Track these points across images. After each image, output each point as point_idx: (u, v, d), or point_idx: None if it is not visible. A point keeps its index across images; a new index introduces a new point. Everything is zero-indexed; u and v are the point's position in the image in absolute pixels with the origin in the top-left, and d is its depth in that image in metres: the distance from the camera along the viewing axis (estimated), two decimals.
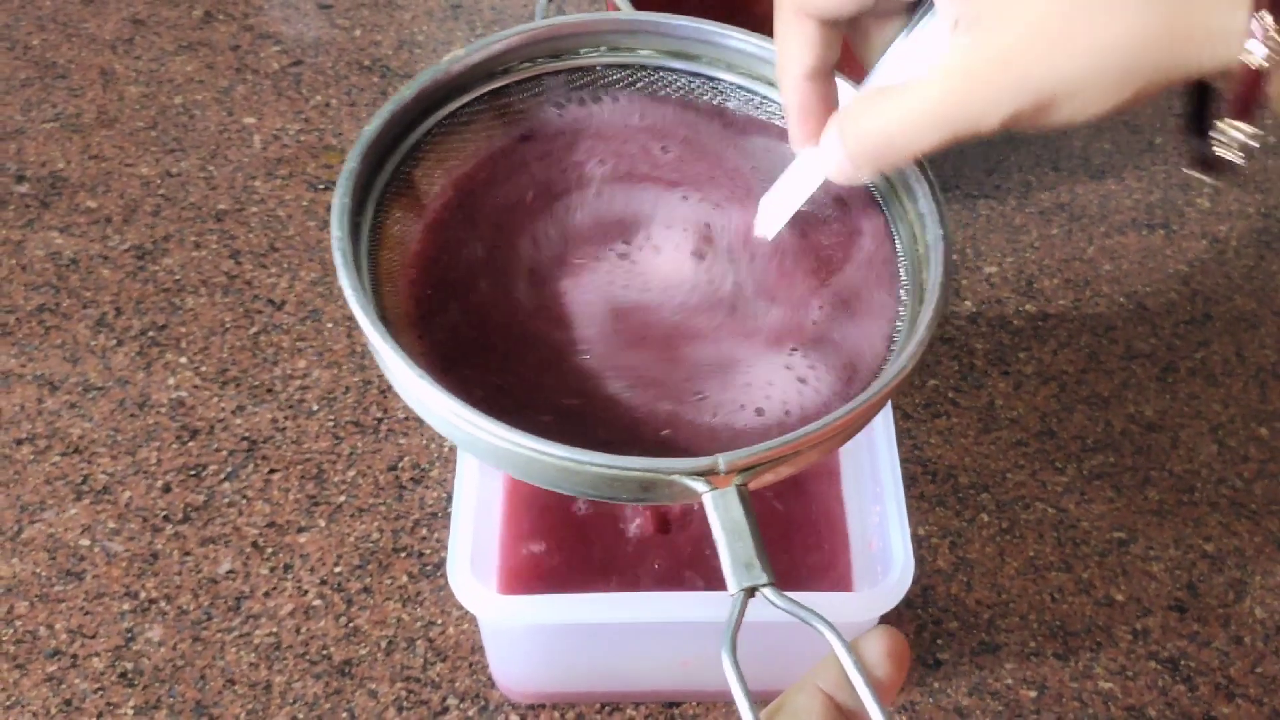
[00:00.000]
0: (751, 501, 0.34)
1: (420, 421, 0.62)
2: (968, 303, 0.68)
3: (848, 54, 0.39)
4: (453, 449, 0.61)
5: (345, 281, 0.37)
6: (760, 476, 0.34)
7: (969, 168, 0.75)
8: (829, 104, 0.39)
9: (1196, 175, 0.38)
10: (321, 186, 0.73)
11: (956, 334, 0.67)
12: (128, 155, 0.74)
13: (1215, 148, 0.32)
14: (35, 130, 0.76)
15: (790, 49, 0.37)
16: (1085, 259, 0.70)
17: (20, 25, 0.82)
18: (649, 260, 0.43)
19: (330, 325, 0.66)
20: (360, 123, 0.77)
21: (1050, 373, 0.65)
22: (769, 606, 0.33)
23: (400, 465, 0.61)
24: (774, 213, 0.42)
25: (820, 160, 0.38)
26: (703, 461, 0.33)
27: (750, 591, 0.33)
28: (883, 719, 0.30)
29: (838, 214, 0.43)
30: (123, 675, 0.53)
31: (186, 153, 0.75)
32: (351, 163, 0.40)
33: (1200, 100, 0.33)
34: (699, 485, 0.34)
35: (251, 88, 0.79)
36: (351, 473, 0.60)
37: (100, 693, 0.53)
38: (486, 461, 0.36)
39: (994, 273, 0.70)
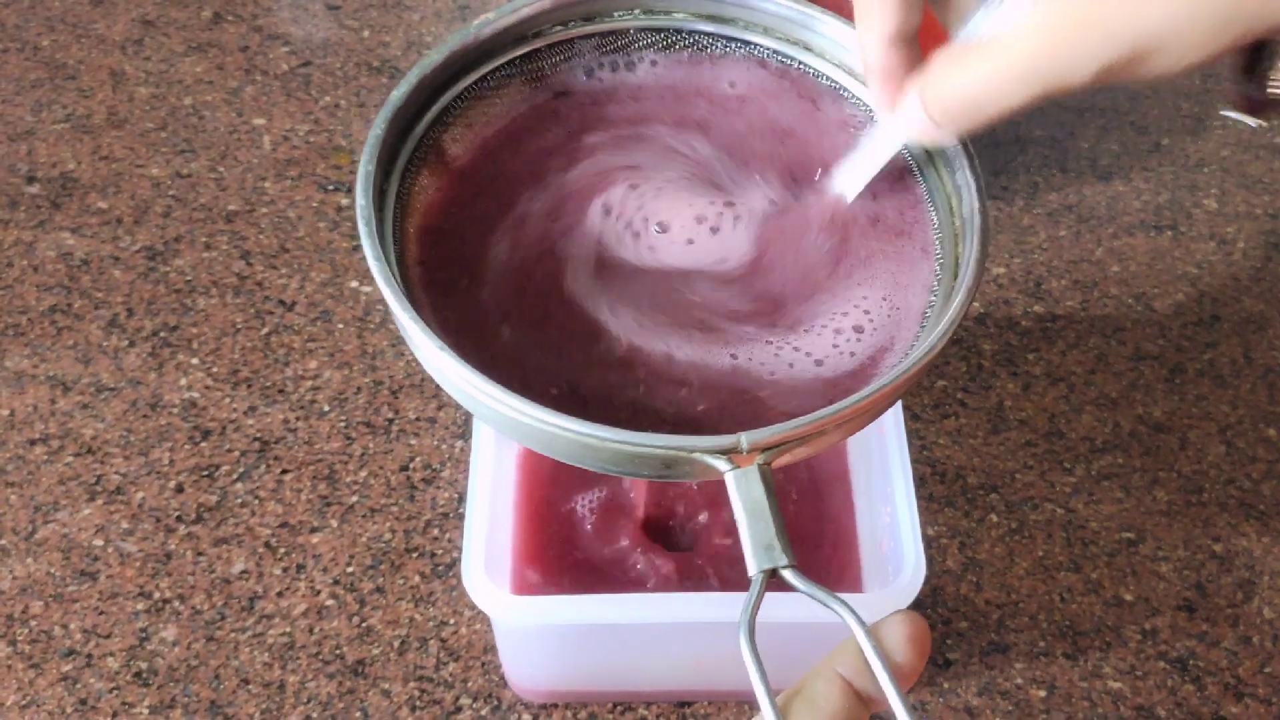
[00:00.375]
0: (774, 481, 0.33)
1: (432, 421, 0.63)
2: (976, 304, 0.68)
3: (930, 25, 0.38)
4: (464, 449, 0.61)
5: (369, 251, 0.36)
6: (784, 455, 0.34)
7: None
8: (912, 69, 0.37)
9: (1236, 116, 0.37)
10: (331, 187, 0.73)
11: (965, 335, 0.67)
12: (138, 156, 0.75)
13: (1271, 89, 0.32)
14: (45, 131, 0.76)
15: (873, 10, 0.36)
16: (1093, 260, 0.71)
17: (30, 26, 0.83)
18: (683, 230, 0.41)
19: (341, 326, 0.66)
20: (370, 124, 0.77)
21: (1059, 374, 0.65)
22: (788, 604, 0.33)
23: (412, 466, 0.61)
24: (852, 176, 0.41)
25: (901, 122, 0.37)
26: (725, 440, 0.33)
27: (771, 573, 0.32)
28: (902, 705, 0.29)
29: (874, 185, 0.43)
30: (137, 675, 0.54)
31: (196, 154, 0.75)
32: (377, 129, 0.39)
33: (1257, 46, 0.32)
34: (721, 464, 0.33)
35: (261, 89, 0.79)
36: (363, 473, 0.61)
37: (115, 692, 0.53)
38: (507, 434, 0.36)
39: (1002, 274, 0.70)
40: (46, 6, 0.84)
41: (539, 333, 0.39)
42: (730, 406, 0.38)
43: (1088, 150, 0.77)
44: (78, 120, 0.77)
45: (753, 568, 0.32)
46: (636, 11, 0.44)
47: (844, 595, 0.50)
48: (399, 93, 0.40)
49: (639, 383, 0.38)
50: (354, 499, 0.60)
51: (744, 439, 0.33)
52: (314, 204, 0.72)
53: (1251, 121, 0.37)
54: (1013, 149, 0.76)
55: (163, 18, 0.83)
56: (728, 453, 0.33)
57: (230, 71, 0.80)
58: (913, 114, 0.36)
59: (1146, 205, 0.74)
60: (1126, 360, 0.66)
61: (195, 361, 0.65)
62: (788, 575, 0.32)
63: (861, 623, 0.31)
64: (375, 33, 0.83)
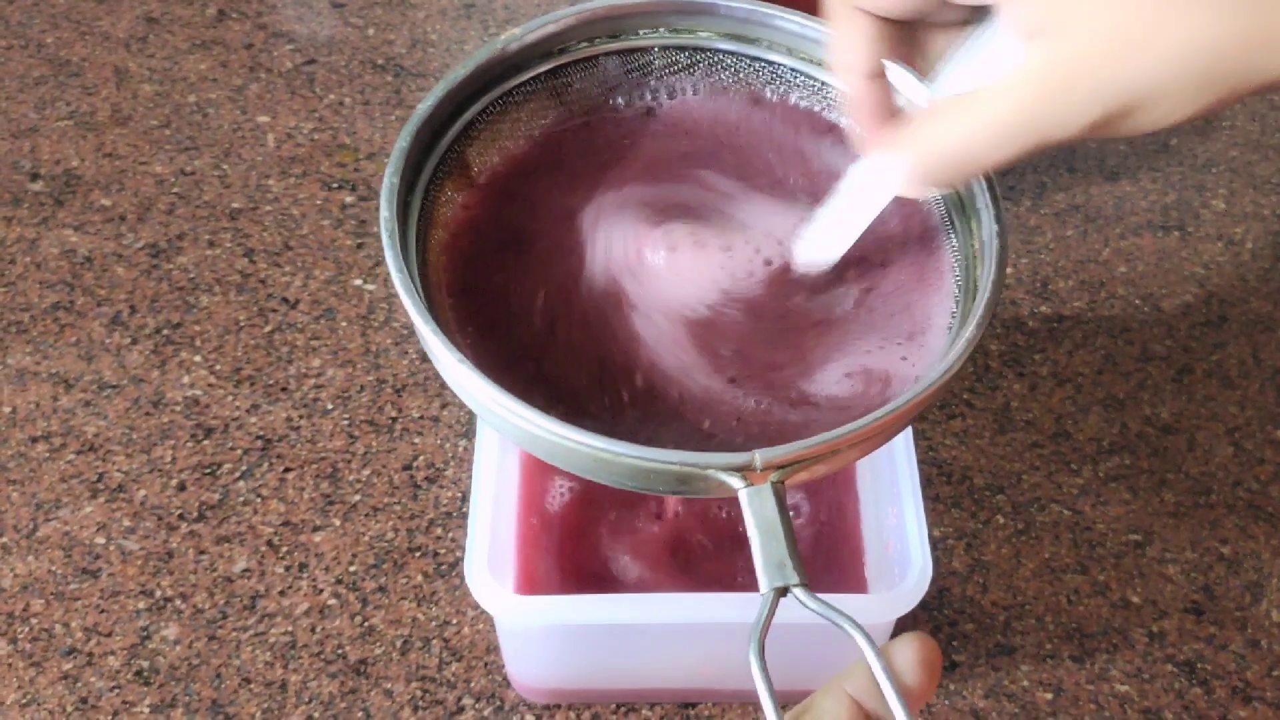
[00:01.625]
0: (786, 500, 0.33)
1: (435, 420, 0.62)
2: None
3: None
4: (468, 448, 0.61)
5: (391, 262, 0.36)
6: (797, 474, 0.34)
7: None
8: (892, 104, 0.37)
9: None
10: (335, 185, 0.73)
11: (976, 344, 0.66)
12: (142, 154, 0.75)
13: None
14: (49, 128, 0.76)
15: (848, 46, 0.36)
16: (1100, 261, 0.70)
17: (34, 23, 0.82)
18: (701, 251, 0.42)
19: (345, 324, 0.66)
20: (374, 122, 0.77)
21: (1065, 374, 0.65)
22: (797, 608, 0.32)
23: (415, 464, 0.61)
24: (834, 234, 0.41)
25: (887, 175, 0.37)
26: (739, 457, 0.33)
27: (782, 591, 0.32)
28: None
29: (896, 212, 0.43)
30: (138, 674, 0.54)
31: (200, 151, 0.75)
32: (403, 141, 0.39)
33: None
34: (734, 481, 0.33)
35: (265, 86, 0.79)
36: (366, 472, 0.60)
37: (116, 691, 0.53)
38: (522, 446, 0.36)
39: (1009, 274, 0.69)
40: (51, 3, 0.84)
41: (558, 348, 0.40)
42: (747, 428, 0.38)
43: (1095, 150, 0.76)
44: (81, 117, 0.77)
45: (764, 585, 0.33)
46: (661, 30, 0.44)
47: (849, 597, 0.50)
48: (425, 105, 0.40)
49: (657, 401, 0.38)
50: (357, 498, 0.59)
51: (758, 457, 0.33)
52: (318, 202, 0.72)
53: None
54: None
55: (167, 15, 0.83)
56: (742, 470, 0.33)
57: (234, 69, 0.80)
58: (901, 169, 0.35)
59: (1154, 205, 0.73)
60: (1134, 361, 0.66)
61: (198, 359, 0.65)
62: (799, 594, 0.32)
63: (872, 643, 0.31)
64: (380, 31, 0.83)
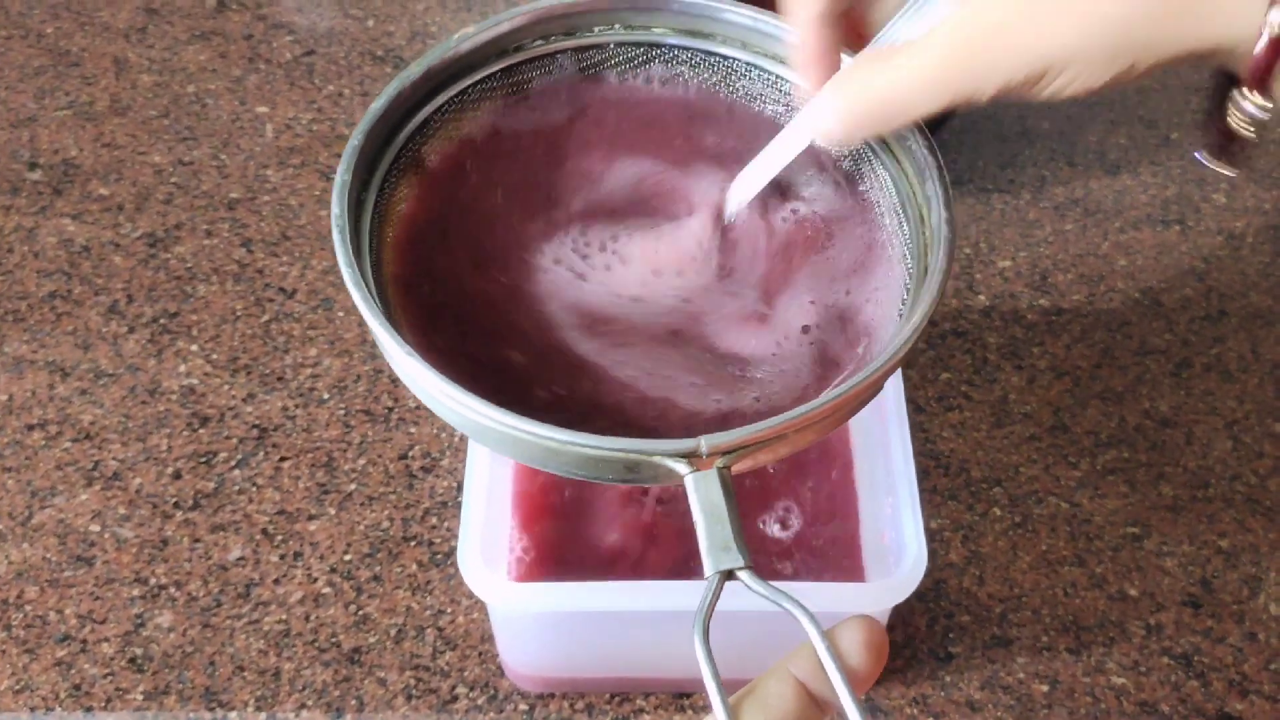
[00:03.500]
0: (733, 485, 0.34)
1: (431, 410, 0.62)
2: (981, 296, 0.68)
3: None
4: (463, 438, 0.61)
5: (341, 257, 0.37)
6: (743, 460, 0.34)
7: (983, 161, 0.75)
8: (837, 61, 0.38)
9: (1211, 165, 0.38)
10: (333, 176, 0.73)
11: (970, 328, 0.66)
12: (140, 143, 0.74)
13: (1230, 120, 0.33)
14: (48, 118, 0.76)
15: None
16: (1100, 254, 0.70)
17: (34, 13, 0.82)
18: (653, 242, 0.42)
19: (342, 314, 0.66)
20: None
21: (1064, 367, 0.65)
22: (747, 593, 0.33)
23: (411, 454, 0.60)
24: (754, 175, 0.41)
25: (809, 122, 0.38)
26: (685, 443, 0.33)
27: (727, 575, 0.32)
28: (855, 709, 0.29)
29: (845, 194, 0.43)
30: (132, 661, 0.53)
31: (199, 141, 0.75)
32: (355, 139, 0.39)
33: (1221, 84, 0.33)
34: (680, 467, 0.34)
35: (264, 77, 0.79)
36: (362, 461, 0.60)
37: (109, 678, 0.53)
38: (473, 438, 0.37)
39: (1008, 267, 0.69)
40: None
41: (508, 341, 0.40)
42: (694, 415, 0.38)
43: (1096, 144, 0.76)
44: (80, 107, 0.76)
45: (709, 568, 0.33)
46: (617, 26, 0.44)
47: (846, 586, 0.50)
48: (378, 104, 0.41)
49: (606, 390, 0.38)
50: (352, 487, 0.59)
51: (704, 443, 0.33)
52: (316, 192, 0.72)
53: (1223, 171, 0.37)
54: (1020, 142, 0.76)
55: (166, 5, 0.83)
56: (688, 456, 0.33)
57: (234, 60, 0.80)
58: (822, 111, 0.37)
59: (1154, 199, 0.73)
60: (1132, 354, 0.65)
61: (195, 348, 0.65)
62: (743, 576, 0.33)
63: (816, 624, 0.31)
64: (380, 22, 0.82)
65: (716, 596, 0.32)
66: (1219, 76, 0.33)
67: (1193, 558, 0.58)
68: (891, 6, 0.38)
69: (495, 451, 0.37)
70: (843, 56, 0.39)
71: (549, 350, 0.40)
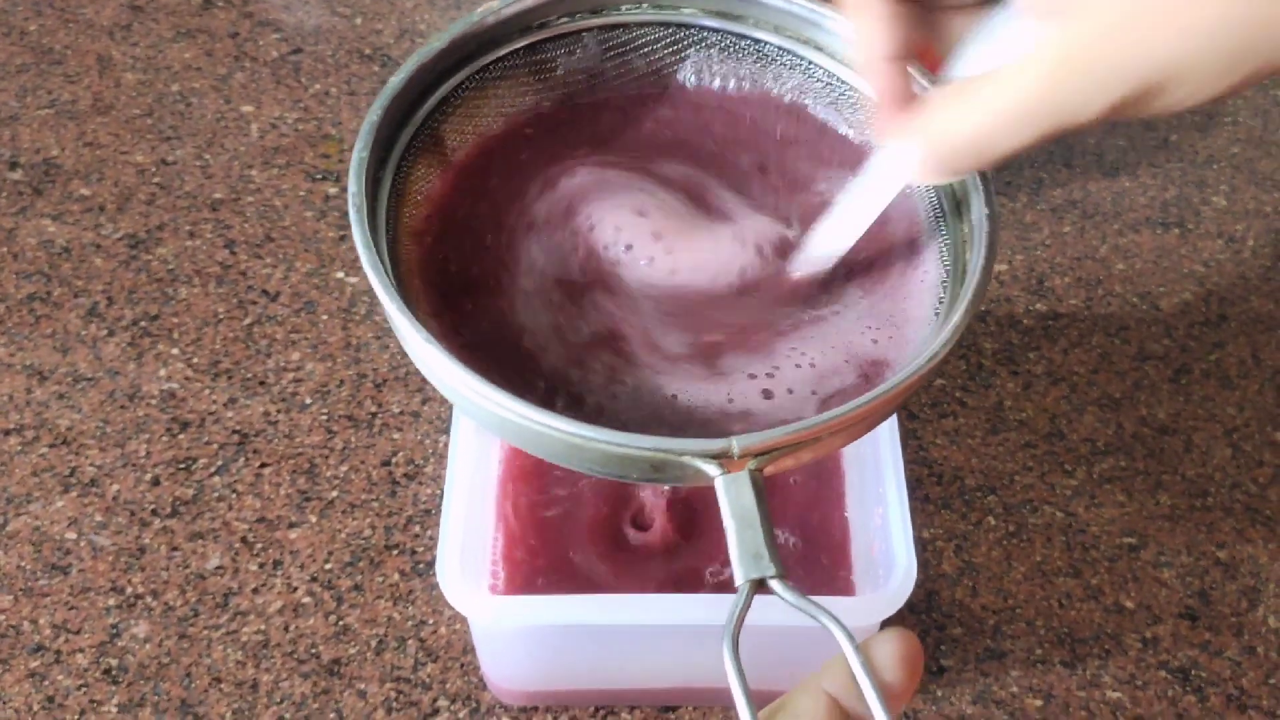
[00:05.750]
0: (765, 489, 0.32)
1: (416, 415, 0.61)
2: None
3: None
4: (448, 445, 0.60)
5: (359, 238, 0.35)
6: (777, 463, 0.33)
7: None
8: (909, 87, 0.36)
9: None
10: (319, 176, 0.72)
11: (964, 333, 0.65)
12: (123, 143, 0.73)
13: None
14: (30, 116, 0.75)
15: (869, 26, 0.35)
16: (1097, 257, 0.69)
17: (17, 10, 0.81)
18: (680, 233, 0.40)
19: (325, 318, 0.65)
20: (360, 112, 0.75)
21: (1060, 373, 0.63)
22: (772, 607, 0.31)
23: (394, 461, 0.59)
24: (844, 226, 0.39)
25: (901, 162, 0.35)
26: (716, 444, 0.32)
27: (758, 584, 0.31)
28: None
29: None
30: (107, 672, 0.52)
31: (183, 141, 0.74)
32: (374, 115, 0.38)
33: None
34: (711, 468, 0.32)
35: (250, 75, 0.77)
36: (344, 468, 0.59)
37: (84, 689, 0.52)
38: (493, 431, 0.35)
39: (1004, 270, 0.68)
40: None
41: (532, 330, 0.38)
42: (727, 416, 0.36)
43: (1094, 146, 0.75)
44: (63, 106, 0.75)
45: (739, 577, 0.31)
46: (645, 5, 0.43)
47: (833, 599, 0.49)
48: (398, 79, 0.39)
49: (636, 387, 0.37)
50: (334, 494, 0.58)
51: (735, 443, 0.32)
52: (301, 193, 0.71)
53: None
54: None
55: (152, 3, 0.82)
56: (718, 457, 0.32)
57: (219, 58, 0.79)
58: (914, 156, 0.34)
59: (1153, 202, 0.72)
60: (1130, 360, 0.64)
61: (175, 352, 0.63)
62: (775, 586, 0.31)
63: (851, 638, 0.29)
64: (368, 20, 0.81)
65: (747, 607, 0.31)
66: None
67: (1190, 569, 0.57)
68: (960, 26, 0.35)
69: (516, 445, 0.35)
70: (915, 77, 0.37)
71: (575, 341, 0.38)
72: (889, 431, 0.49)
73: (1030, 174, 0.73)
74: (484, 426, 0.35)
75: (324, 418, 0.61)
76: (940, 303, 0.39)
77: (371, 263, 0.35)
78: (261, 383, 0.62)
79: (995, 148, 0.32)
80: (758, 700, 0.29)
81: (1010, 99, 0.30)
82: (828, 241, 0.40)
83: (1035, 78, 0.30)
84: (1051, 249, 0.69)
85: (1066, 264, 0.68)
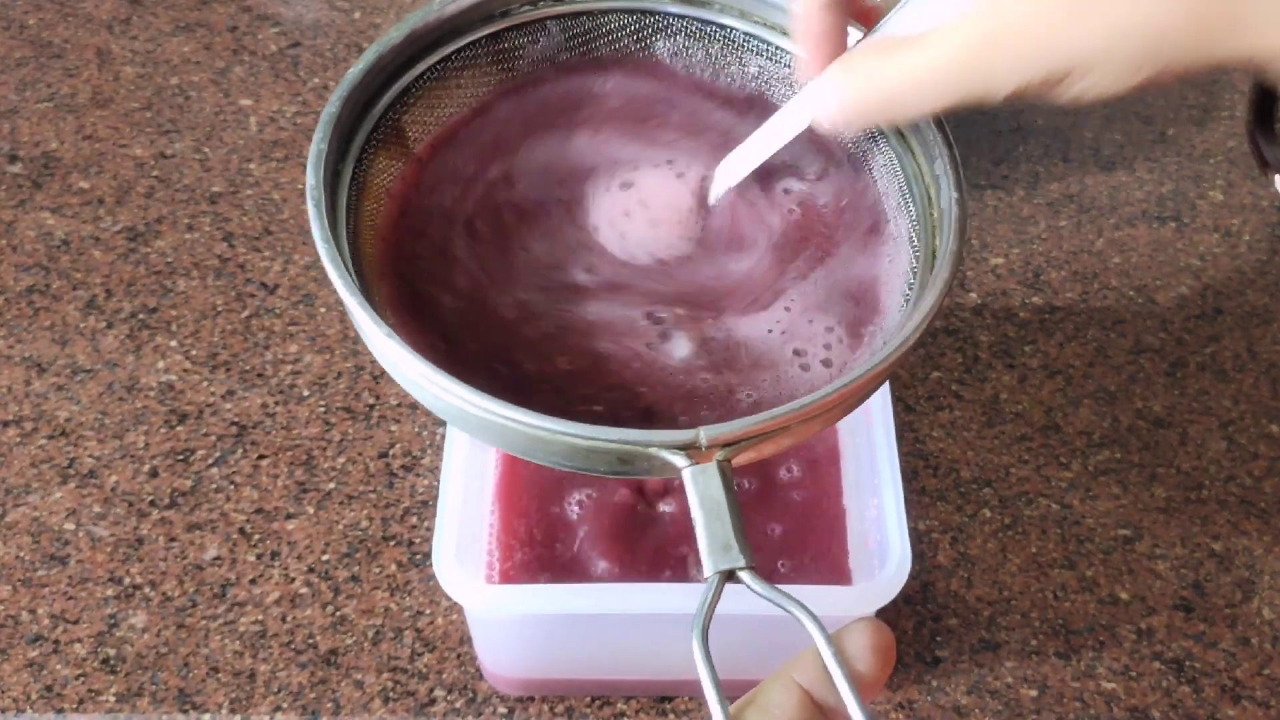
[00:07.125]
0: (733, 479, 0.32)
1: (413, 407, 0.61)
2: (973, 294, 0.67)
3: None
4: (445, 436, 0.60)
5: (317, 232, 0.35)
6: (745, 453, 0.33)
7: (976, 157, 0.73)
8: (842, 41, 0.37)
9: (1275, 187, 0.36)
10: None
11: (961, 325, 0.65)
12: (122, 136, 0.73)
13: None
14: (29, 110, 0.75)
15: None
16: (1094, 251, 0.69)
17: (16, 4, 0.81)
18: (645, 221, 0.41)
19: (323, 310, 0.65)
20: None
21: (1056, 366, 0.64)
22: (746, 596, 0.31)
23: (391, 452, 0.59)
24: (746, 156, 0.40)
25: (809, 105, 0.36)
26: (683, 435, 0.32)
27: (728, 575, 0.31)
28: (863, 717, 0.28)
29: (848, 175, 0.41)
30: (105, 662, 0.53)
31: (181, 134, 0.74)
32: (332, 107, 0.38)
33: (1262, 101, 0.32)
34: (678, 459, 0.32)
35: (249, 69, 0.78)
36: (341, 459, 0.59)
37: (81, 679, 0.52)
38: (458, 426, 0.35)
39: (1000, 264, 0.68)
40: None
41: (496, 323, 0.38)
42: (693, 408, 0.36)
43: (1091, 140, 0.75)
44: (62, 99, 0.75)
45: (709, 568, 0.31)
46: None
47: (828, 589, 0.49)
48: (356, 70, 0.39)
49: (598, 380, 0.37)
50: (331, 485, 0.58)
51: (703, 434, 0.32)
52: (299, 186, 0.71)
53: None
54: (1014, 138, 0.75)
55: None
56: (686, 448, 0.32)
57: (218, 52, 0.79)
58: (825, 97, 0.35)
59: (1150, 196, 0.72)
60: (1126, 353, 0.64)
61: (174, 344, 0.64)
62: (745, 577, 0.31)
63: (822, 629, 0.29)
64: (366, 14, 0.81)
65: (717, 598, 0.31)
66: (1258, 89, 0.32)
67: (1185, 560, 0.57)
68: None
69: (479, 440, 0.35)
70: (850, 31, 0.37)
71: (538, 333, 0.38)
72: (884, 423, 0.49)
73: (1027, 168, 0.73)
74: (450, 421, 0.35)
75: (322, 409, 0.61)
76: (910, 289, 0.39)
77: (330, 255, 0.35)
78: (259, 375, 0.62)
79: (905, 107, 0.33)
80: (737, 689, 0.29)
81: (929, 63, 0.32)
82: (730, 166, 0.40)
83: (957, 47, 0.31)
84: (1048, 242, 0.69)
85: (1063, 258, 0.69)
